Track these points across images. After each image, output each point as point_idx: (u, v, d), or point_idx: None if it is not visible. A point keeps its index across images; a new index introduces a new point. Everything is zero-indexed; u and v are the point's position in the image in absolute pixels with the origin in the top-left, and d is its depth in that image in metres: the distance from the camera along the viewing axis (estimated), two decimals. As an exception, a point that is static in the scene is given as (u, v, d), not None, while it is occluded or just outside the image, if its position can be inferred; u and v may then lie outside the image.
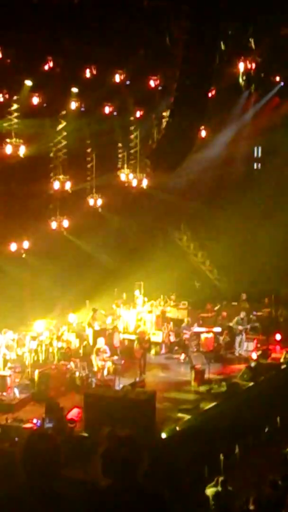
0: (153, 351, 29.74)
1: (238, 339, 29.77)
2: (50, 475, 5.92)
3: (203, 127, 35.75)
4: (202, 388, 25.15)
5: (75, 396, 23.53)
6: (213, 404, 23.30)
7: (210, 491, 13.35)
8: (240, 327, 29.72)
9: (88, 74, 29.16)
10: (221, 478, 14.83)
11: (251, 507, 13.03)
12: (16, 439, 18.67)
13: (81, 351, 27.75)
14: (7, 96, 28.06)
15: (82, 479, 15.34)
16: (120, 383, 24.44)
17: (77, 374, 25.14)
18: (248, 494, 13.59)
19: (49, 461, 5.95)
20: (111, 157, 34.97)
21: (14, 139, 28.78)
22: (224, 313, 31.33)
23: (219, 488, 14.21)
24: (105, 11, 26.64)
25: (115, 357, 26.56)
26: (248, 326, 30.45)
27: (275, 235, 35.21)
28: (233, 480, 15.93)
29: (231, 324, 30.15)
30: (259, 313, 32.42)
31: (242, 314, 30.31)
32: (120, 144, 35.09)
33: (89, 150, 33.85)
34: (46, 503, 5.83)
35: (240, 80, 32.61)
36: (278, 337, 30.47)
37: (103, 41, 27.39)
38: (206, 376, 26.02)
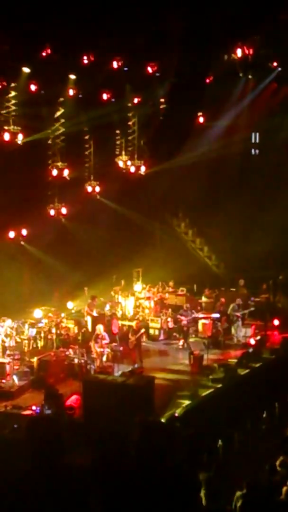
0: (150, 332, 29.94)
1: (234, 325, 29.85)
2: (54, 459, 6.00)
3: (200, 113, 35.84)
4: (201, 374, 25.23)
5: (74, 383, 23.62)
6: (211, 389, 23.42)
7: (202, 475, 13.41)
8: (236, 314, 29.79)
9: (85, 60, 29.14)
10: (215, 463, 14.91)
11: (244, 491, 13.11)
12: (15, 426, 18.77)
13: (80, 338, 27.78)
14: (4, 83, 28.03)
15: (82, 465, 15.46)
16: (119, 370, 24.52)
17: (76, 361, 25.21)
18: (243, 480, 13.66)
19: (52, 445, 6.04)
20: (109, 143, 34.95)
21: (12, 126, 28.79)
22: (223, 299, 31.37)
23: (211, 473, 14.28)
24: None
25: (114, 344, 26.63)
26: (247, 312, 30.55)
27: (274, 221, 35.25)
28: (230, 465, 16.04)
29: (229, 311, 30.20)
30: (257, 299, 32.48)
31: (238, 301, 30.37)
32: (118, 131, 35.06)
33: (87, 137, 33.84)
34: (51, 486, 5.92)
35: (238, 66, 32.62)
36: (276, 322, 30.56)
37: (101, 28, 27.35)
38: (205, 362, 26.10)
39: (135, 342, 26.61)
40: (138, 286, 33.82)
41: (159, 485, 6.16)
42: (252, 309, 31.12)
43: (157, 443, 6.15)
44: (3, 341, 25.24)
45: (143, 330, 27.69)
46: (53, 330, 27.51)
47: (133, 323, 27.69)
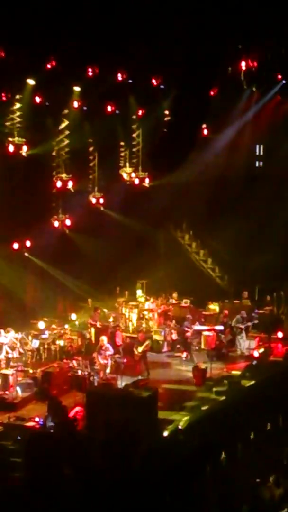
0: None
1: (238, 337, 29.84)
2: (51, 475, 6.01)
3: (205, 125, 35.89)
4: (204, 386, 25.19)
5: (78, 395, 23.55)
6: (215, 402, 23.35)
7: (212, 488, 13.47)
8: (240, 326, 29.78)
9: (90, 72, 29.26)
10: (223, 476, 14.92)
11: (251, 504, 13.14)
12: (19, 437, 18.73)
13: (83, 349, 27.80)
14: (9, 95, 28.16)
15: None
16: (123, 381, 24.48)
17: (79, 372, 25.15)
18: (249, 492, 13.68)
19: (51, 461, 6.05)
20: (113, 155, 35.04)
21: (16, 138, 28.92)
22: (226, 311, 31.36)
23: (221, 486, 14.31)
24: (107, 10, 26.73)
25: (117, 356, 26.59)
26: (250, 324, 30.51)
27: (277, 233, 35.23)
28: (234, 478, 15.99)
29: (231, 322, 30.19)
30: (261, 311, 32.43)
31: (243, 313, 30.36)
32: (122, 143, 35.16)
33: (91, 148, 33.93)
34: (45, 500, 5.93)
35: (242, 78, 32.72)
36: (280, 334, 30.44)
37: (105, 40, 27.46)
38: (208, 374, 26.06)
39: (141, 354, 26.60)
40: (141, 298, 33.82)
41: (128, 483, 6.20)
42: (255, 322, 31.07)
43: (120, 442, 6.21)
44: (6, 353, 25.24)
45: (148, 342, 27.61)
46: (57, 342, 27.53)
47: (138, 335, 27.67)
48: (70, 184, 31.96)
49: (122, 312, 31.94)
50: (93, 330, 29.04)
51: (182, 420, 21.29)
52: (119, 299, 33.00)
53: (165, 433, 20.05)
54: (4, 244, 29.53)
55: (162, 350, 30.09)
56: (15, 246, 29.92)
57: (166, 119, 35.05)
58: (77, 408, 21.49)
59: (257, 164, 40.26)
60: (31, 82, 27.97)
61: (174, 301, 33.92)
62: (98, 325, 29.20)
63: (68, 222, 32.25)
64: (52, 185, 31.79)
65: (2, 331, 25.85)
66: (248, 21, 28.91)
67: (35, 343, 26.93)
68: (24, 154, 29.05)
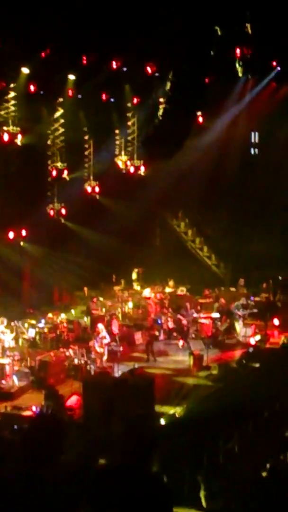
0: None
1: (237, 324, 29.86)
2: (50, 460, 5.98)
3: (200, 113, 35.80)
4: (201, 374, 25.25)
5: (74, 383, 23.59)
6: (212, 389, 23.41)
7: (201, 476, 13.45)
8: (239, 312, 29.81)
9: (85, 61, 29.14)
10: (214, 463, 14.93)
11: (249, 491, 13.12)
12: (15, 427, 18.73)
13: (79, 338, 27.80)
14: (4, 83, 28.07)
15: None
16: (119, 370, 24.51)
17: (76, 361, 25.19)
18: (246, 479, 13.68)
19: (50, 445, 6.01)
20: (109, 144, 34.97)
21: (11, 127, 28.82)
22: (222, 300, 31.39)
23: (210, 474, 14.30)
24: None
25: (114, 344, 26.62)
26: (247, 312, 30.54)
27: (273, 220, 35.25)
28: (231, 465, 16.02)
29: (232, 308, 30.21)
30: (257, 299, 32.48)
31: (243, 300, 30.42)
32: (117, 131, 35.08)
33: (86, 137, 33.86)
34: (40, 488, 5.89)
35: (237, 65, 32.62)
36: (276, 322, 30.49)
37: (100, 28, 27.35)
38: (205, 361, 26.11)
39: (148, 339, 26.86)
40: (137, 286, 33.89)
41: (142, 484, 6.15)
42: (254, 310, 31.05)
43: (139, 435, 6.17)
44: (2, 341, 25.19)
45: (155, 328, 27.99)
46: (53, 331, 27.52)
47: (147, 320, 27.99)
48: (65, 173, 31.92)
49: (118, 300, 31.94)
50: (89, 318, 29.05)
51: (179, 408, 21.34)
52: (115, 287, 32.99)
53: (162, 421, 20.08)
54: (0, 233, 29.50)
55: (159, 338, 30.11)
56: (11, 235, 29.88)
57: (161, 107, 34.94)
58: (74, 397, 21.51)
59: (252, 152, 40.25)
60: (25, 70, 27.87)
61: (170, 289, 33.94)
62: (95, 313, 29.21)
63: (63, 211, 32.20)
64: (47, 174, 31.75)
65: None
66: (242, 8, 28.83)
67: (32, 332, 26.92)
68: (19, 143, 28.97)
